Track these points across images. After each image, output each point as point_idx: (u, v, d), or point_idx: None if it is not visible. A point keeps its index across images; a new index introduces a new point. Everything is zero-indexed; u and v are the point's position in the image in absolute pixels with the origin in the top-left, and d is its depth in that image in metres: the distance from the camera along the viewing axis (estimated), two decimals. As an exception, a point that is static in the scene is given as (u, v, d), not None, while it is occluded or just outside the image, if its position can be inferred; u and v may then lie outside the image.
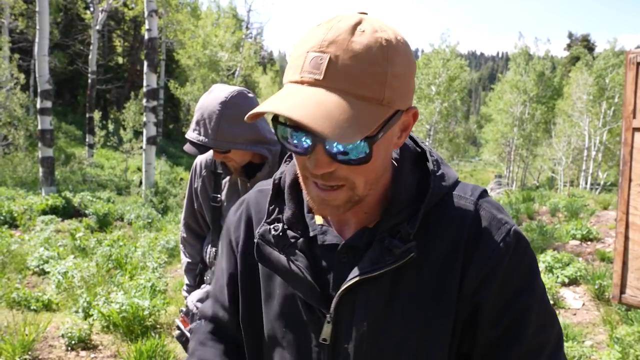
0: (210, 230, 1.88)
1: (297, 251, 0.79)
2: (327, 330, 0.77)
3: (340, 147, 0.66)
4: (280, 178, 0.86)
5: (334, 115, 0.61)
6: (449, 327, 0.75)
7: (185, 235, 2.01)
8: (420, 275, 0.74)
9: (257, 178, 1.73)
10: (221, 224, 1.83)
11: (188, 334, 1.93)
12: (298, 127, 0.66)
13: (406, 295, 0.74)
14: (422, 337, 0.75)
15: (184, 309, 2.00)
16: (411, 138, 0.84)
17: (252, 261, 0.85)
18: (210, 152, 1.86)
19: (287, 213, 0.82)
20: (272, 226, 0.81)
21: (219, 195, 1.82)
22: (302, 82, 0.65)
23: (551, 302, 4.78)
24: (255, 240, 0.82)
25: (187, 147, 1.67)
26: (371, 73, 0.63)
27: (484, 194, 0.80)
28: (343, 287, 0.74)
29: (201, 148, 1.64)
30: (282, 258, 0.79)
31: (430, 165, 0.78)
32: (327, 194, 0.71)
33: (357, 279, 0.73)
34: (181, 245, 2.06)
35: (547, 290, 4.19)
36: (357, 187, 0.71)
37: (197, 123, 1.64)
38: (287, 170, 0.86)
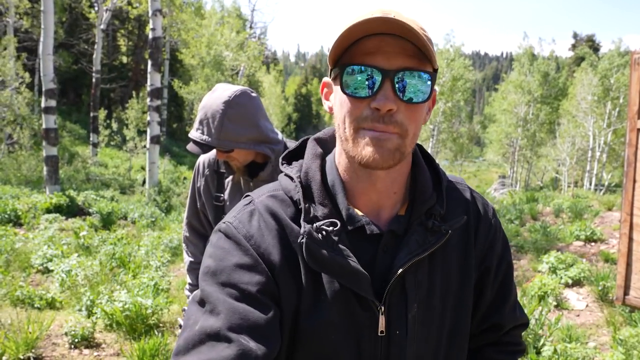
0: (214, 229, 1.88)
1: (343, 246, 0.77)
2: (382, 321, 0.78)
3: (413, 83, 0.74)
4: (300, 177, 0.84)
5: (419, 33, 0.72)
6: (472, 291, 0.89)
7: (187, 234, 2.02)
8: (446, 251, 0.85)
9: (260, 177, 1.74)
10: None
11: None
12: (371, 65, 0.73)
13: (440, 271, 0.84)
14: (457, 307, 0.86)
15: (186, 308, 2.00)
16: None
17: (294, 271, 0.78)
18: (213, 151, 1.87)
19: (324, 209, 0.79)
20: (315, 224, 0.77)
21: (221, 195, 1.83)
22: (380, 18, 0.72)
23: (554, 303, 4.76)
24: (302, 241, 0.77)
25: (191, 147, 1.67)
26: (424, 33, 0.74)
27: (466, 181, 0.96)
28: (398, 273, 0.77)
29: (204, 147, 1.64)
30: (332, 255, 0.75)
31: (433, 161, 0.93)
32: (382, 134, 0.74)
33: (410, 262, 0.77)
34: (184, 245, 2.07)
35: (550, 291, 4.14)
36: (409, 135, 0.76)
37: (201, 122, 1.65)
38: (310, 171, 0.84)
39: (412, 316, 0.79)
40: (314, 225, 0.77)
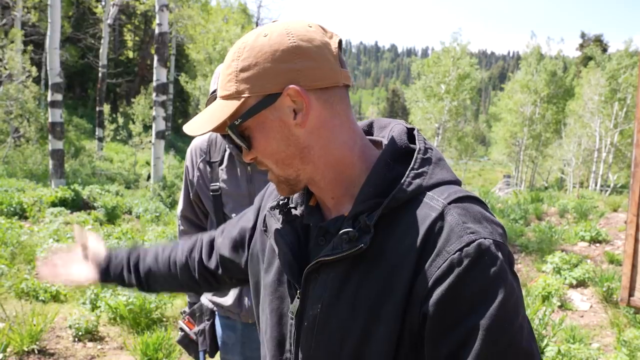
0: (214, 221, 1.84)
1: (291, 228, 0.86)
2: (295, 304, 0.82)
3: (232, 139, 0.85)
4: None
5: (201, 117, 0.80)
6: (396, 330, 0.71)
7: (183, 227, 1.97)
8: (373, 269, 0.73)
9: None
10: (224, 212, 1.80)
11: (194, 336, 1.90)
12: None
13: (358, 285, 0.74)
14: (367, 331, 0.73)
15: (186, 310, 1.96)
16: (411, 136, 0.83)
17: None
18: (203, 141, 1.86)
19: (297, 194, 0.89)
20: (281, 202, 0.89)
21: (217, 184, 1.80)
22: None
23: (558, 303, 4.74)
24: (264, 212, 0.92)
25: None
26: (226, 75, 0.77)
27: (464, 199, 0.73)
28: (309, 266, 0.79)
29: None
30: (279, 231, 0.86)
31: (412, 162, 0.77)
32: (268, 176, 0.84)
33: (318, 260, 0.77)
34: (180, 240, 2.04)
35: (555, 291, 4.08)
36: (272, 168, 0.81)
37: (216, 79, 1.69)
38: None
39: (314, 314, 0.78)
40: (280, 202, 0.89)
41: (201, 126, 0.78)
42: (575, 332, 3.99)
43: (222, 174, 1.81)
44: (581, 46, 41.99)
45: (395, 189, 0.74)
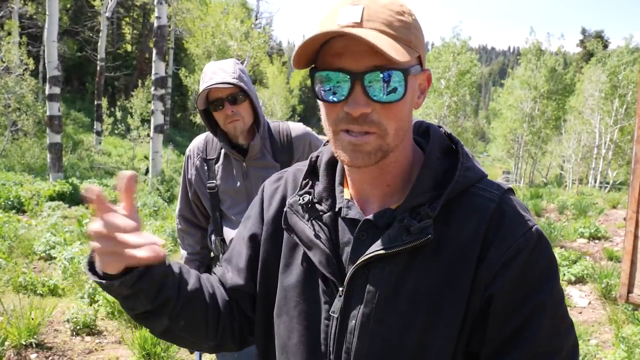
0: (211, 218, 1.87)
1: (321, 223, 0.82)
2: (337, 303, 0.78)
3: (382, 84, 0.71)
4: (317, 157, 0.91)
5: (379, 40, 0.68)
6: (459, 316, 0.73)
7: (181, 226, 1.99)
8: (435, 260, 0.75)
9: (252, 151, 1.79)
10: (221, 209, 1.82)
11: None
12: (339, 69, 0.71)
13: (419, 277, 0.75)
14: (430, 322, 0.74)
15: None
16: (446, 133, 0.86)
17: (278, 229, 0.89)
18: (201, 140, 1.87)
19: (319, 187, 0.86)
20: (301, 197, 0.85)
21: (214, 181, 1.82)
22: (345, 28, 0.70)
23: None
24: (285, 209, 0.87)
25: (201, 101, 1.74)
26: (397, 19, 0.72)
27: (509, 191, 0.80)
28: (359, 262, 0.76)
29: (221, 93, 1.71)
30: (307, 228, 0.82)
31: (460, 157, 0.80)
32: (358, 139, 0.73)
33: (373, 254, 0.75)
34: (179, 239, 2.03)
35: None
36: (388, 133, 0.74)
37: (214, 73, 1.72)
38: (325, 150, 0.91)
39: (368, 311, 0.76)
40: (301, 197, 0.85)
41: (397, 54, 0.68)
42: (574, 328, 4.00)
43: (219, 171, 1.83)
44: (582, 42, 41.92)
45: (452, 181, 0.76)
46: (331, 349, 0.80)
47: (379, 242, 0.75)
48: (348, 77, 0.70)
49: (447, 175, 0.79)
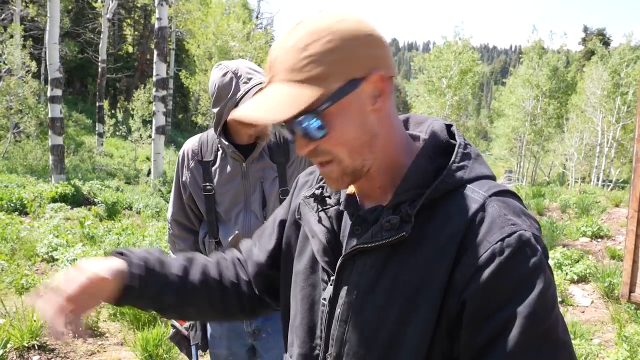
0: (206, 220, 1.84)
1: (326, 216, 0.88)
2: (329, 291, 0.84)
3: (302, 127, 0.74)
4: None
5: (269, 101, 0.73)
6: (434, 317, 0.73)
7: (174, 231, 1.94)
8: (413, 258, 0.75)
9: (253, 155, 1.77)
10: (217, 211, 1.80)
11: (185, 332, 1.91)
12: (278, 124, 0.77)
13: (396, 273, 0.76)
14: (404, 319, 0.75)
15: None
16: (450, 131, 0.85)
17: (298, 222, 0.97)
18: (195, 142, 1.86)
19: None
20: (315, 190, 0.91)
21: (210, 184, 1.80)
22: (266, 87, 0.77)
23: (560, 299, 4.72)
24: (300, 201, 0.95)
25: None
26: (301, 58, 0.72)
27: (503, 193, 0.76)
28: (345, 253, 0.81)
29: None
30: (313, 219, 0.89)
31: (453, 156, 0.79)
32: (323, 169, 0.80)
33: (356, 247, 0.79)
34: (170, 244, 1.99)
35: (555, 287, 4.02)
36: (343, 159, 0.77)
37: (249, 74, 1.67)
38: None
39: (349, 301, 0.80)
40: (315, 191, 0.91)
41: (280, 111, 0.71)
42: (576, 327, 3.98)
43: (216, 173, 1.81)
44: (584, 40, 41.79)
45: (437, 180, 0.76)
46: (323, 333, 0.85)
47: (365, 236, 0.79)
48: (285, 126, 0.76)
49: (439, 174, 0.78)
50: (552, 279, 0.72)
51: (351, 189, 0.88)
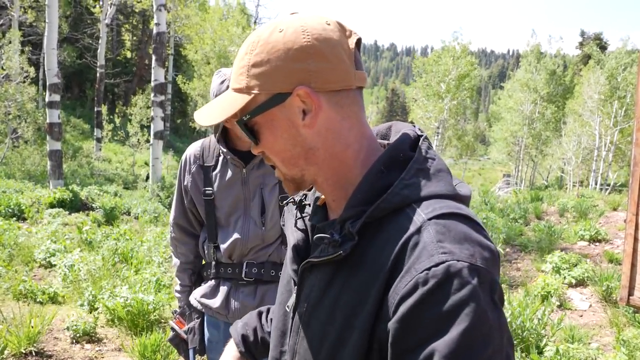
0: (205, 225, 1.85)
1: (300, 224, 0.88)
2: (292, 299, 0.85)
3: (241, 131, 0.80)
4: None
5: (212, 106, 0.80)
6: (365, 342, 0.69)
7: (175, 235, 1.96)
8: (354, 277, 0.73)
9: (253, 161, 1.78)
10: (216, 216, 1.82)
11: (184, 335, 1.92)
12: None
13: (337, 291, 0.75)
14: (341, 340, 0.73)
15: (177, 310, 1.97)
16: (412, 143, 0.79)
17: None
18: (197, 147, 1.87)
19: (312, 190, 0.92)
20: (297, 197, 0.91)
21: (210, 189, 1.81)
22: None
23: (558, 303, 4.72)
24: (284, 207, 0.96)
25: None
26: (238, 68, 0.77)
27: (449, 216, 0.69)
28: (302, 264, 0.81)
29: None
30: (290, 226, 0.90)
31: (404, 172, 0.73)
32: (275, 172, 0.84)
33: (308, 260, 0.79)
34: (172, 247, 2.01)
35: (554, 291, 4.05)
36: (279, 166, 0.81)
37: (222, 82, 1.72)
38: None
39: (301, 312, 0.81)
40: (297, 199, 0.91)
41: (211, 117, 0.78)
42: (575, 331, 3.98)
43: (216, 178, 1.82)
44: (581, 44, 41.98)
45: (380, 199, 0.71)
46: (289, 340, 0.86)
47: (317, 250, 0.80)
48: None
49: (384, 190, 0.73)
50: (488, 316, 0.63)
51: (322, 199, 0.88)
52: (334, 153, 0.77)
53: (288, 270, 0.89)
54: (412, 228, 0.68)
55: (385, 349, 0.68)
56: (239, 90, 0.77)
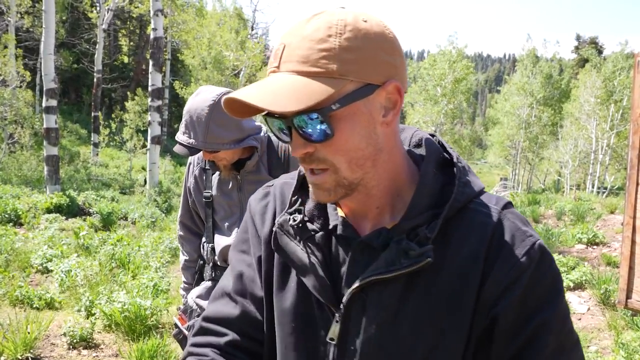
0: (205, 226, 1.92)
1: (314, 244, 0.78)
2: (335, 329, 0.75)
3: (305, 125, 0.67)
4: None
5: (275, 91, 0.64)
6: (463, 338, 0.71)
7: (182, 233, 2.05)
8: (436, 282, 0.72)
9: (247, 168, 1.79)
10: (214, 218, 1.87)
11: (186, 332, 1.95)
12: (273, 115, 0.69)
13: (419, 301, 0.72)
14: (433, 346, 0.72)
15: (181, 307, 2.02)
16: (440, 144, 0.82)
17: (272, 250, 0.84)
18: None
19: (310, 204, 0.81)
20: (292, 216, 0.80)
21: (209, 191, 1.86)
22: (269, 74, 0.70)
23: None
24: (275, 229, 0.81)
25: (178, 148, 1.72)
26: (317, 49, 0.66)
27: (508, 205, 0.77)
28: (354, 286, 0.72)
29: (192, 149, 1.68)
30: (299, 250, 0.78)
31: (457, 172, 0.76)
32: (315, 177, 0.72)
33: (370, 279, 0.71)
34: (180, 245, 2.10)
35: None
36: (340, 168, 0.70)
37: (186, 126, 1.68)
38: None
39: (367, 336, 0.73)
40: (291, 217, 0.79)
41: (284, 103, 0.64)
42: (574, 335, 3.98)
43: (215, 181, 1.87)
44: (577, 48, 42.21)
45: (450, 199, 0.73)
46: None
47: (375, 264, 0.72)
48: (282, 121, 0.69)
49: (444, 191, 0.75)
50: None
51: (341, 212, 0.80)
52: (393, 156, 0.74)
53: (298, 300, 0.79)
54: (491, 220, 0.73)
55: (482, 338, 0.72)
56: (317, 76, 0.65)
